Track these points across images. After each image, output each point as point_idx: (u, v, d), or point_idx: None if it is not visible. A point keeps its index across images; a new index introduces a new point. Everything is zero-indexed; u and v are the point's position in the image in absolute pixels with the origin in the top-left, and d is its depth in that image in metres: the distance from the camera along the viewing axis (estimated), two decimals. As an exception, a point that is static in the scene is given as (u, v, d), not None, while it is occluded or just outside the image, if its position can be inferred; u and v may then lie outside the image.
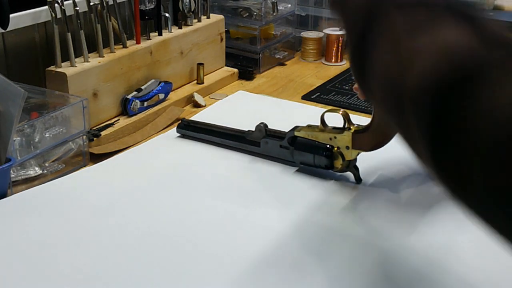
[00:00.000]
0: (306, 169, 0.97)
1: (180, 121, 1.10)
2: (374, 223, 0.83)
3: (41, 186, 0.92)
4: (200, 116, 1.16)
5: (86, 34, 1.09)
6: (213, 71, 1.36)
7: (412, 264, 0.74)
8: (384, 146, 0.88)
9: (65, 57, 1.06)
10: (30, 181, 0.93)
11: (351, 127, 0.91)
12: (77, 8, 1.06)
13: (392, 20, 0.53)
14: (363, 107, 1.24)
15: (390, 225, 0.82)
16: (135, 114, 1.15)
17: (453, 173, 0.44)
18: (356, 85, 0.87)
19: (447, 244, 0.78)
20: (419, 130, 0.46)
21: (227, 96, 1.29)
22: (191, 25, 1.29)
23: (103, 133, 1.07)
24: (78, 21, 1.07)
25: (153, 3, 1.20)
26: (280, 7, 1.43)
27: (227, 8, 1.43)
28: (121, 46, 1.16)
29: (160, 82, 1.20)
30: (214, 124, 1.07)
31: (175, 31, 1.26)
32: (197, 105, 1.24)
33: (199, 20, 1.32)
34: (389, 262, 0.75)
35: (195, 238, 0.80)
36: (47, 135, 0.95)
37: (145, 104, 1.16)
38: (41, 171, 0.95)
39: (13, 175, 0.91)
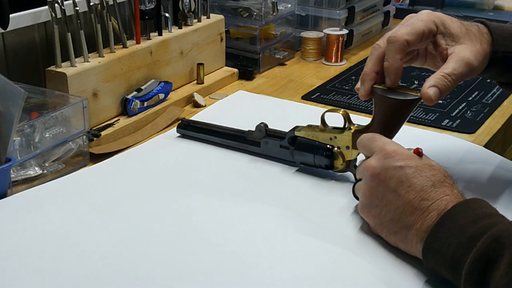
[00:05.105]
0: (306, 169, 0.97)
1: (180, 121, 1.10)
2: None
3: (41, 186, 0.92)
4: (200, 116, 1.16)
5: (86, 34, 1.09)
6: (213, 71, 1.36)
7: (412, 264, 0.74)
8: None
9: (65, 57, 1.06)
10: (30, 181, 0.93)
11: (352, 127, 0.91)
12: (77, 8, 1.06)
13: None
14: (363, 107, 1.24)
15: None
16: (135, 114, 1.15)
17: None
18: (357, 85, 0.87)
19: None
20: None
21: (227, 96, 1.29)
22: (191, 25, 1.29)
23: (103, 133, 1.07)
24: (78, 21, 1.07)
25: (153, 3, 1.20)
26: (280, 7, 1.43)
27: (227, 8, 1.43)
28: (121, 46, 1.16)
29: (160, 82, 1.20)
30: (214, 124, 1.07)
31: (175, 31, 1.26)
32: (197, 105, 1.24)
33: (199, 20, 1.32)
34: (388, 262, 0.75)
35: (194, 238, 0.80)
36: (47, 135, 0.95)
37: (145, 104, 1.16)
38: (41, 171, 0.95)
39: (13, 175, 0.91)
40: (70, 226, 0.82)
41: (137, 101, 1.14)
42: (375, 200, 0.77)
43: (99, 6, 1.11)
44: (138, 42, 1.18)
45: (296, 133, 0.96)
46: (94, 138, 1.04)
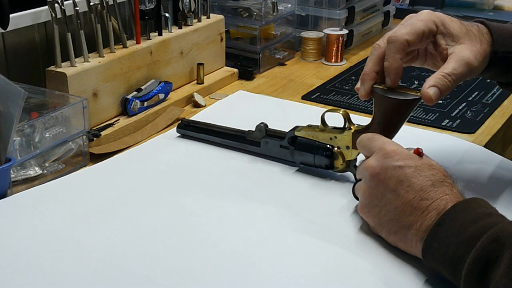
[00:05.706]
0: (306, 169, 0.97)
1: (180, 121, 1.10)
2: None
3: (41, 186, 0.92)
4: (200, 116, 1.16)
5: (86, 34, 1.09)
6: (213, 71, 1.36)
7: (412, 264, 0.74)
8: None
9: (65, 57, 1.06)
10: (30, 181, 0.93)
11: (352, 127, 0.91)
12: (77, 8, 1.06)
13: None
14: (363, 107, 1.24)
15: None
16: (135, 114, 1.15)
17: None
18: (357, 85, 0.87)
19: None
20: None
21: (227, 96, 1.29)
22: (191, 25, 1.29)
23: (103, 133, 1.07)
24: (78, 21, 1.07)
25: (153, 3, 1.20)
26: (280, 7, 1.43)
27: (227, 8, 1.43)
28: (121, 46, 1.16)
29: (160, 82, 1.20)
30: (214, 124, 1.07)
31: (175, 31, 1.26)
32: (197, 105, 1.24)
33: (199, 20, 1.32)
34: (388, 262, 0.75)
35: (194, 238, 0.80)
36: (47, 135, 0.95)
37: (145, 104, 1.16)
38: (41, 171, 0.95)
39: (13, 175, 0.91)
40: (70, 226, 0.82)
41: (137, 101, 1.14)
42: (375, 200, 0.77)
43: (99, 6, 1.11)
44: (138, 42, 1.18)
45: (296, 133, 0.96)
46: (94, 138, 1.04)
